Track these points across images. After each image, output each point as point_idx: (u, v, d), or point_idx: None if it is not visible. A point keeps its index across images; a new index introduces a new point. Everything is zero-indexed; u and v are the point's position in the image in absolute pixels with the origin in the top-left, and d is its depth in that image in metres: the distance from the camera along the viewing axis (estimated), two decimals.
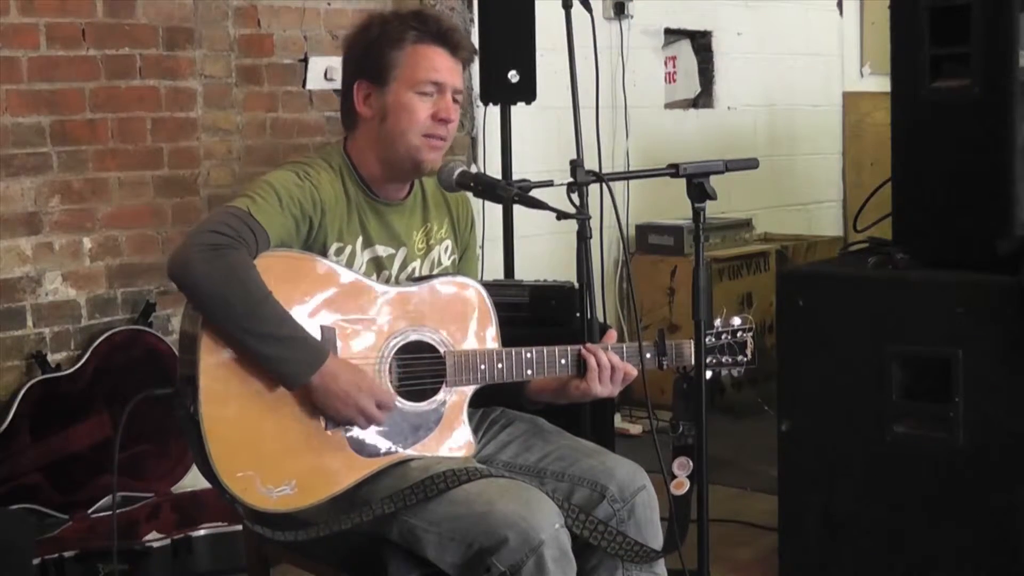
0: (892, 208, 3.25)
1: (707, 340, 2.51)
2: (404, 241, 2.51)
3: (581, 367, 2.47)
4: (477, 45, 4.56)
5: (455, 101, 2.45)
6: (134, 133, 4.09)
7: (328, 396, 2.27)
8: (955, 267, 3.07)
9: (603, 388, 2.47)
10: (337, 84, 4.44)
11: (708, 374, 2.52)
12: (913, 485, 3.11)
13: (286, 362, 2.24)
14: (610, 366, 2.46)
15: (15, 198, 3.83)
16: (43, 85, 3.87)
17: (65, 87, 3.92)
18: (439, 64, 2.42)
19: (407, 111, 2.41)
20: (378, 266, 2.48)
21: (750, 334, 2.63)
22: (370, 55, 2.44)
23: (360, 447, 2.34)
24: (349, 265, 2.42)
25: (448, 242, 2.60)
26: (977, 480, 3.02)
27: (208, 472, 2.25)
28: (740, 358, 2.62)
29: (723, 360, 2.61)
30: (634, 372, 2.51)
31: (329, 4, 4.59)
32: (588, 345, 2.48)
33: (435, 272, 2.56)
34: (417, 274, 2.53)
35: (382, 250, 2.48)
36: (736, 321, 2.63)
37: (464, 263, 2.66)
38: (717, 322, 2.59)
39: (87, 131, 3.98)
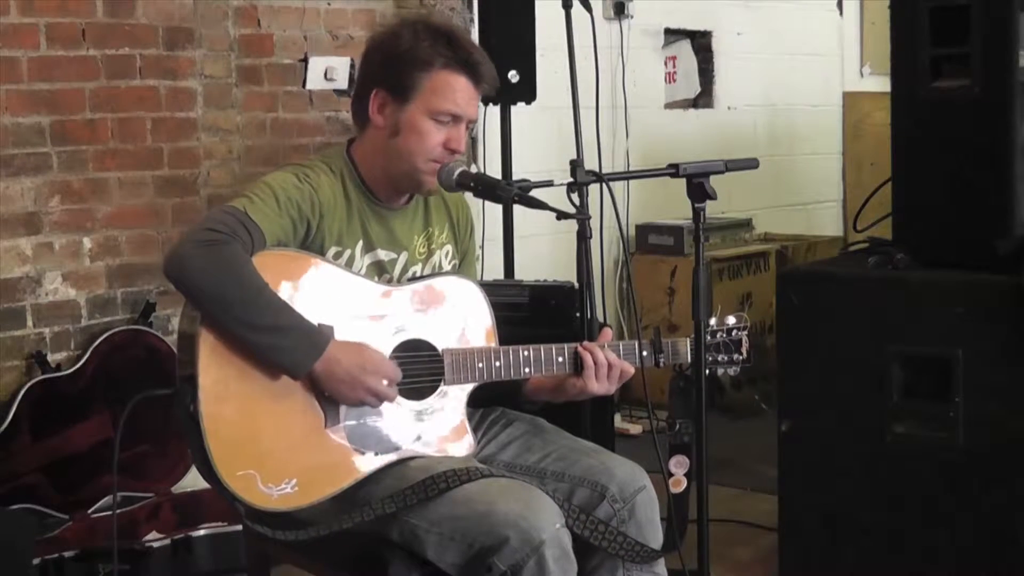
0: (892, 208, 3.25)
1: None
2: (406, 245, 2.52)
3: (578, 365, 2.47)
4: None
5: (466, 129, 2.46)
6: (134, 133, 4.09)
7: (333, 382, 2.27)
8: (955, 267, 3.07)
9: (600, 386, 2.47)
10: (337, 84, 4.45)
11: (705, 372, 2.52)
12: (913, 485, 3.11)
13: (287, 351, 2.24)
14: (607, 364, 2.46)
15: (15, 198, 3.83)
16: (43, 85, 3.87)
17: (65, 87, 3.92)
18: (461, 95, 2.42)
19: (420, 135, 2.41)
20: (379, 270, 2.48)
21: (745, 332, 2.64)
22: (395, 68, 2.43)
23: (360, 446, 2.34)
24: (348, 269, 2.42)
25: (449, 247, 2.61)
26: (977, 480, 3.02)
27: (208, 472, 2.24)
28: (736, 356, 2.63)
29: (719, 359, 2.62)
30: (631, 370, 2.51)
31: (329, 4, 4.59)
32: (585, 343, 2.48)
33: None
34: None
35: (384, 254, 2.48)
36: (731, 320, 2.63)
37: (464, 267, 2.66)
38: (712, 321, 2.59)
39: (87, 131, 3.98)
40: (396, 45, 2.44)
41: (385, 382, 2.32)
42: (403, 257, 2.51)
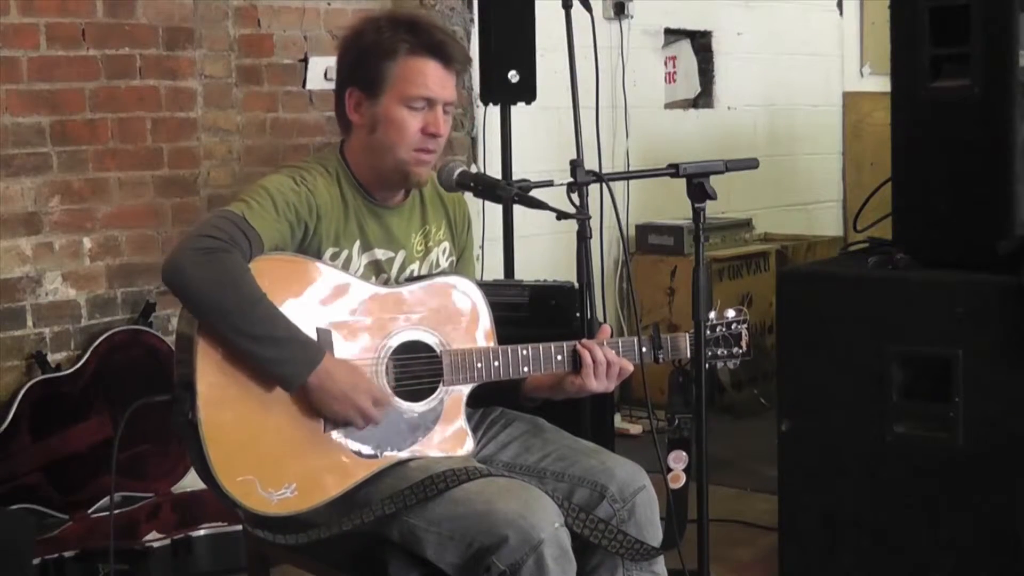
0: (892, 208, 3.24)
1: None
2: (403, 244, 2.51)
3: (577, 363, 2.47)
4: (477, 45, 4.58)
5: (446, 113, 2.44)
6: (134, 133, 4.09)
7: (325, 396, 2.27)
8: (955, 267, 3.07)
9: (599, 384, 2.47)
10: None
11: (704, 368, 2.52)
12: (913, 485, 3.11)
13: (282, 363, 2.23)
14: (605, 362, 2.46)
15: (15, 198, 3.83)
16: (43, 85, 3.87)
17: (65, 87, 3.92)
18: (431, 78, 2.40)
19: (396, 126, 2.40)
20: (377, 269, 2.47)
21: (744, 326, 2.64)
22: (362, 64, 2.43)
23: (359, 449, 2.33)
24: (345, 269, 2.41)
25: (446, 244, 2.60)
26: (977, 480, 3.02)
27: (208, 477, 2.24)
28: (735, 350, 2.63)
29: (719, 352, 2.62)
30: (630, 367, 2.51)
31: (329, 4, 4.59)
32: (584, 341, 2.48)
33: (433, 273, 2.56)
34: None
35: (381, 253, 2.48)
36: (730, 313, 2.63)
37: (461, 265, 2.65)
38: (712, 315, 2.59)
39: (87, 131, 3.98)
40: (360, 42, 2.45)
41: (374, 404, 2.31)
42: (400, 255, 2.51)
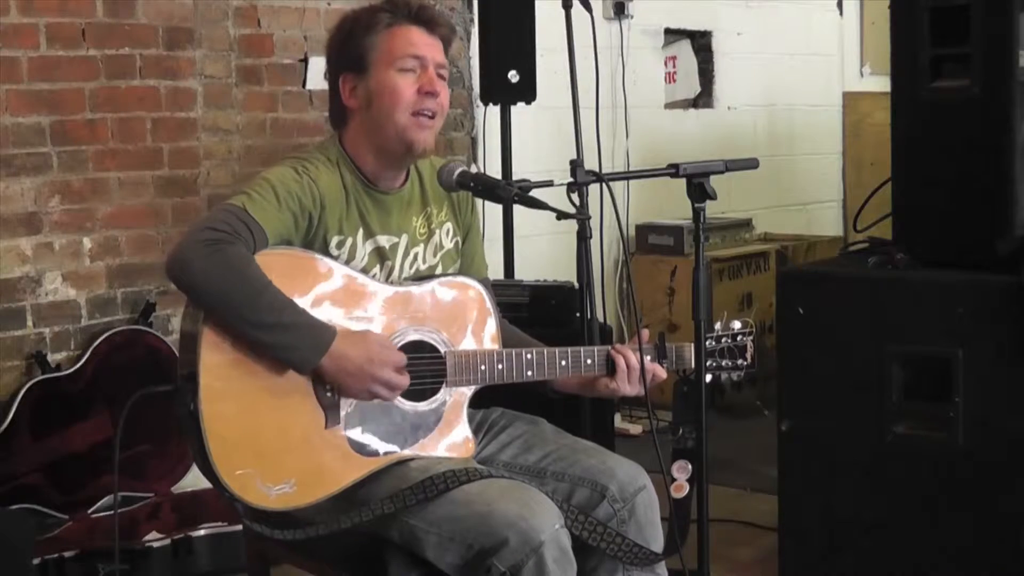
0: (892, 208, 3.25)
1: (707, 344, 2.51)
2: (405, 228, 2.51)
3: (581, 368, 2.47)
4: (477, 45, 4.58)
5: (441, 77, 2.45)
6: (134, 133, 4.09)
7: (342, 375, 2.27)
8: (955, 267, 3.07)
9: (632, 388, 2.49)
10: None
11: (708, 377, 2.52)
12: (913, 485, 3.11)
13: (293, 348, 2.23)
14: (638, 367, 2.46)
15: (15, 198, 3.83)
16: (43, 85, 3.87)
17: (65, 87, 3.92)
18: (416, 40, 2.43)
19: (391, 91, 2.41)
20: (381, 256, 2.47)
21: (750, 338, 2.63)
22: (347, 47, 2.46)
23: (360, 446, 2.34)
24: (351, 257, 2.42)
25: (449, 224, 2.59)
26: (977, 480, 3.02)
27: (207, 470, 2.25)
28: (740, 362, 2.62)
29: (723, 364, 2.61)
30: (663, 374, 2.52)
31: (329, 4, 4.59)
32: (617, 346, 2.49)
33: (438, 256, 2.56)
34: (421, 259, 2.53)
35: (384, 240, 2.47)
36: (736, 324, 2.62)
37: (469, 244, 2.65)
38: (717, 326, 2.58)
39: (87, 131, 3.98)
40: (341, 31, 2.51)
41: (393, 370, 2.31)
42: (404, 240, 2.50)
